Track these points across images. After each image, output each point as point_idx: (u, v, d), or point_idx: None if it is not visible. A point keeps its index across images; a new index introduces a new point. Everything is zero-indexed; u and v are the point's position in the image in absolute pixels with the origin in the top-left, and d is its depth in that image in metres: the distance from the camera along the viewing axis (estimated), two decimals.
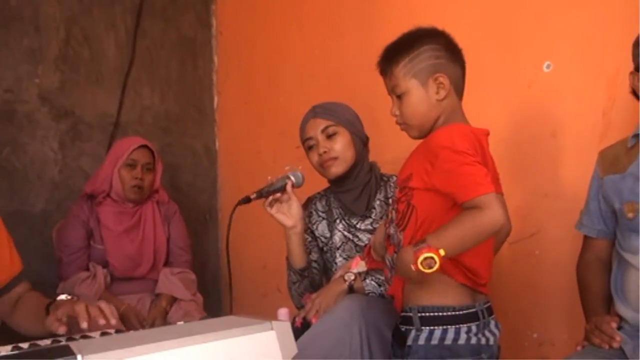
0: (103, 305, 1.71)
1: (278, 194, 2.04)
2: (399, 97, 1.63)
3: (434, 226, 1.53)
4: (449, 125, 1.58)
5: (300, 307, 2.21)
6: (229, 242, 2.04)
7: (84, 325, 1.62)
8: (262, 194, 2.01)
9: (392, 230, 1.64)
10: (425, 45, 1.60)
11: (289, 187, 2.03)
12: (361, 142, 2.15)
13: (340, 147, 2.10)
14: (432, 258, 1.39)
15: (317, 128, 2.12)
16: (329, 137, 2.11)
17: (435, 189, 1.52)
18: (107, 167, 2.75)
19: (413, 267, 1.41)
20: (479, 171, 1.47)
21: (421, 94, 1.61)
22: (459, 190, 1.46)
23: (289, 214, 2.05)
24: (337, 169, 2.11)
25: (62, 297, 1.78)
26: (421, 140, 1.66)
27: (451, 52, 1.63)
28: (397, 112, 1.65)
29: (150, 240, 2.83)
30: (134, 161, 2.74)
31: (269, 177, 2.05)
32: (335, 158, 2.09)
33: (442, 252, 1.40)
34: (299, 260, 2.13)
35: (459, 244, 1.45)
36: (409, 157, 1.68)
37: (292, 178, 2.03)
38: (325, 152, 2.10)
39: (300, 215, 2.07)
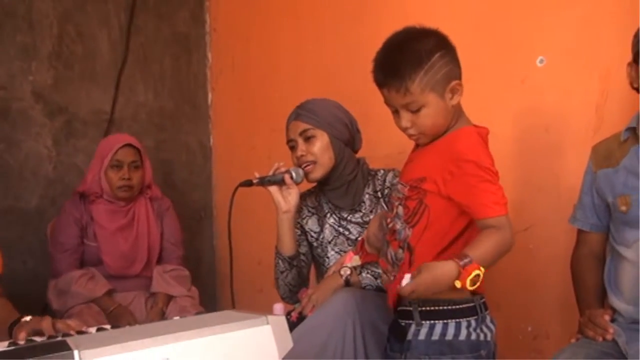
0: (70, 322, 1.67)
1: (276, 186, 2.15)
2: (415, 110, 1.56)
3: (443, 228, 1.55)
4: (465, 133, 1.57)
5: (286, 298, 2.25)
6: (229, 233, 2.10)
7: (51, 333, 1.57)
8: (264, 182, 2.13)
9: (398, 226, 1.63)
10: (435, 54, 1.54)
11: (287, 180, 2.12)
12: (342, 142, 2.16)
13: (317, 151, 2.14)
14: (479, 275, 1.41)
15: (296, 131, 2.16)
16: (307, 140, 2.15)
17: (450, 198, 1.52)
18: (94, 169, 2.73)
19: (458, 284, 1.41)
20: (499, 191, 1.50)
21: (440, 105, 1.55)
22: (478, 207, 1.49)
23: (286, 198, 2.14)
24: (315, 174, 2.16)
25: (27, 318, 1.69)
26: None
27: (453, 52, 1.59)
28: (409, 125, 1.58)
29: (144, 238, 2.82)
30: (119, 162, 2.70)
31: (279, 164, 2.17)
32: (313, 162, 2.14)
33: (482, 269, 1.42)
34: (288, 248, 2.17)
35: (489, 262, 1.47)
36: (420, 157, 1.65)
37: (293, 173, 2.13)
38: (302, 155, 2.15)
39: (295, 203, 2.16)
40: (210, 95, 3.70)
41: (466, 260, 1.42)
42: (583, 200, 1.95)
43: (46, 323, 1.62)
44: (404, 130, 1.61)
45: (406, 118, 1.58)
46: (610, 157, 1.86)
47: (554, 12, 2.29)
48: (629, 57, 1.79)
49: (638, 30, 1.76)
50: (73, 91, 3.13)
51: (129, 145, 2.75)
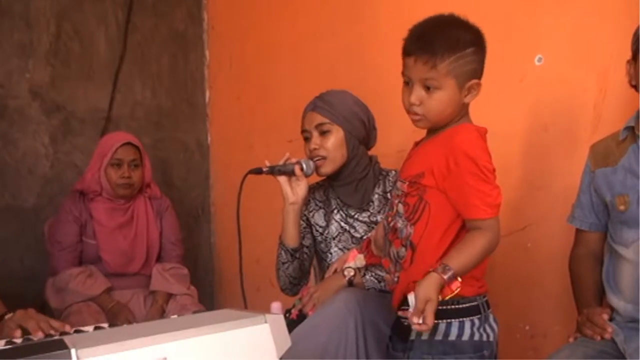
0: (56, 324, 1.64)
1: (286, 176, 2.13)
2: (428, 88, 1.54)
3: (444, 223, 1.54)
4: (465, 128, 1.56)
5: (286, 289, 2.25)
6: (238, 222, 2.09)
7: (39, 335, 1.57)
8: (274, 171, 2.12)
9: (400, 224, 1.61)
10: (471, 47, 1.54)
11: (297, 171, 2.10)
12: (357, 139, 2.15)
13: (331, 146, 2.12)
14: (458, 289, 1.46)
15: (312, 123, 2.15)
16: (322, 134, 2.13)
17: (446, 192, 1.53)
18: (94, 167, 2.74)
19: (441, 297, 1.45)
20: (493, 191, 1.50)
21: (454, 95, 1.54)
22: (469, 207, 1.49)
23: (294, 189, 2.12)
24: (325, 169, 2.15)
25: (9, 316, 1.72)
26: (422, 134, 1.66)
27: (485, 53, 1.60)
28: (417, 102, 1.55)
29: (143, 237, 2.83)
30: (119, 160, 2.71)
31: (287, 154, 2.15)
32: (324, 157, 2.13)
33: (459, 279, 1.46)
34: (292, 239, 2.15)
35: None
36: (419, 153, 1.64)
37: (304, 165, 2.11)
38: (315, 149, 2.13)
39: (303, 196, 2.14)
40: (207, 94, 3.69)
41: (450, 275, 1.45)
42: (581, 200, 1.95)
43: (32, 324, 1.61)
44: (409, 106, 1.57)
45: (417, 94, 1.55)
46: (608, 156, 1.86)
47: (552, 11, 2.29)
48: (627, 55, 1.80)
49: (638, 28, 1.76)
50: (70, 89, 3.12)
51: (130, 143, 2.75)
